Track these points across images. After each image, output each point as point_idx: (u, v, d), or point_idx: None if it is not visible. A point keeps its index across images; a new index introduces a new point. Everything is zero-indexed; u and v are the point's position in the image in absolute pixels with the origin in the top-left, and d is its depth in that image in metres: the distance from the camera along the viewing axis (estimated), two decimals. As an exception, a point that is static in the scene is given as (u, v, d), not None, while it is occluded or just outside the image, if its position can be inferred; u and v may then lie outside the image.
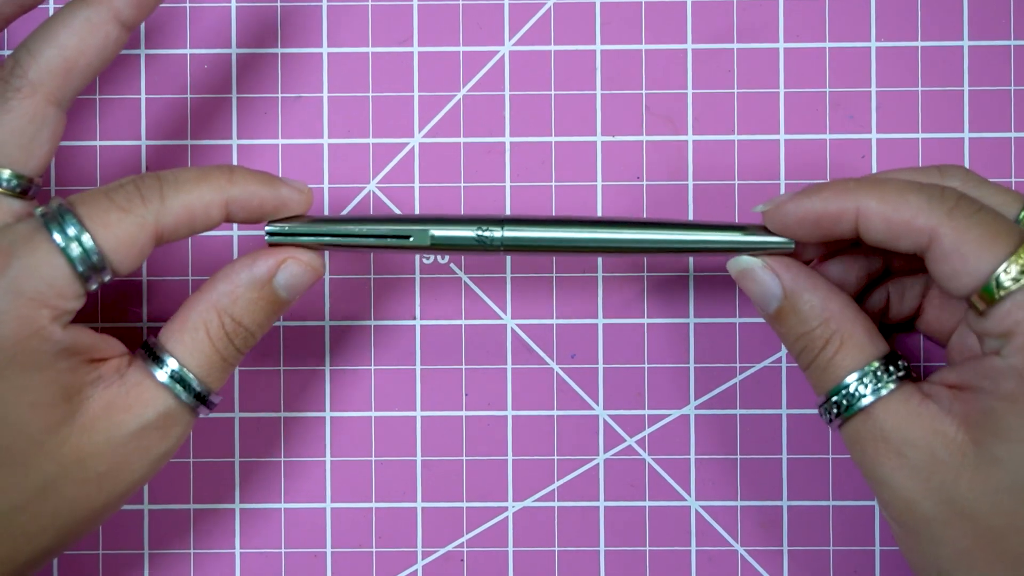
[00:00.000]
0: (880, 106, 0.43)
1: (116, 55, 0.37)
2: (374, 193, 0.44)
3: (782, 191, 0.43)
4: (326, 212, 0.43)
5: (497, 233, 0.38)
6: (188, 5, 0.44)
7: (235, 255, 0.43)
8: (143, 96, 0.44)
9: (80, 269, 0.34)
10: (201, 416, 0.38)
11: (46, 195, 0.43)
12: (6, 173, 0.36)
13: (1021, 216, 0.37)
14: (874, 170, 0.43)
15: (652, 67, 0.43)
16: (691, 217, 0.43)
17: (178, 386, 0.37)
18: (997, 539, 0.35)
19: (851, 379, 0.37)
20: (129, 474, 0.36)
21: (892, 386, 0.36)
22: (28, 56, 0.36)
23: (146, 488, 0.43)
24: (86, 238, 0.34)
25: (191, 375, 0.37)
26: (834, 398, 0.37)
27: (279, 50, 0.44)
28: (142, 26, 0.44)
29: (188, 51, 0.44)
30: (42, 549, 0.36)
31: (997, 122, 0.43)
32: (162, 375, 0.36)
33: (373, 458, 0.44)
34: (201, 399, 0.37)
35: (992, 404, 0.35)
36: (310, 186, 0.40)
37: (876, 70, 0.43)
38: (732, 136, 0.43)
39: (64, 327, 0.35)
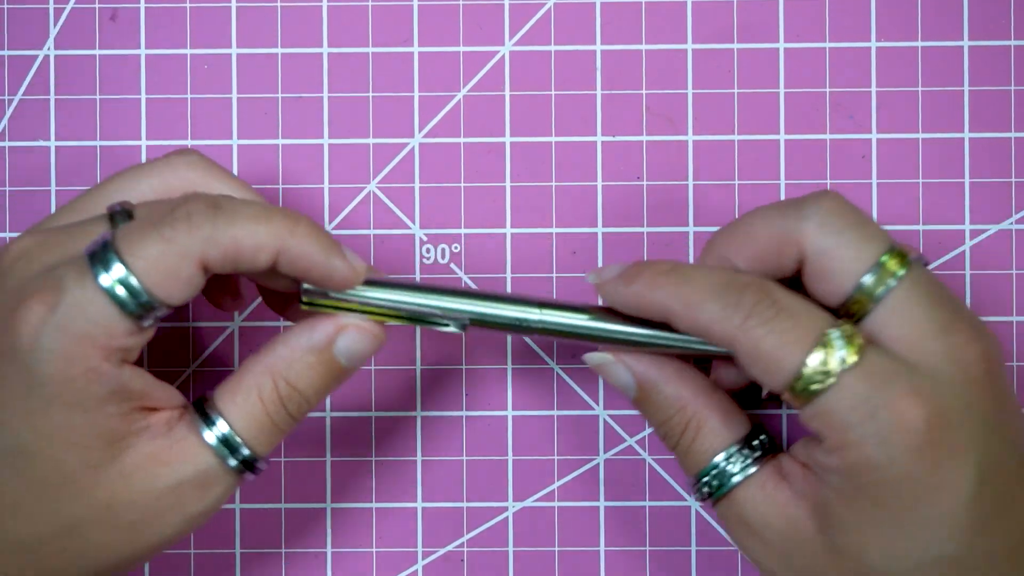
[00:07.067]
0: (880, 106, 0.43)
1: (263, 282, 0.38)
2: (374, 193, 0.44)
3: (782, 191, 0.43)
4: (326, 214, 0.43)
5: (535, 316, 0.37)
6: (188, 5, 0.44)
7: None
8: (143, 96, 0.44)
9: (130, 309, 0.34)
10: (247, 481, 0.37)
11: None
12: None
13: (882, 259, 0.35)
14: (874, 170, 0.43)
15: (652, 67, 0.43)
16: (691, 218, 0.43)
17: (223, 448, 0.36)
18: None
19: (714, 461, 0.37)
20: (162, 527, 0.36)
21: (751, 470, 0.37)
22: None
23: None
24: (130, 277, 0.34)
25: (238, 438, 0.36)
26: (703, 479, 0.38)
27: (279, 50, 0.44)
28: (142, 25, 0.44)
29: (188, 51, 0.43)
30: None
31: (997, 122, 0.43)
32: (209, 435, 0.36)
33: (373, 458, 0.44)
34: (247, 464, 0.36)
35: (826, 494, 0.35)
36: (360, 259, 0.37)
37: (876, 70, 0.43)
38: (732, 136, 0.43)
39: (119, 365, 0.34)
